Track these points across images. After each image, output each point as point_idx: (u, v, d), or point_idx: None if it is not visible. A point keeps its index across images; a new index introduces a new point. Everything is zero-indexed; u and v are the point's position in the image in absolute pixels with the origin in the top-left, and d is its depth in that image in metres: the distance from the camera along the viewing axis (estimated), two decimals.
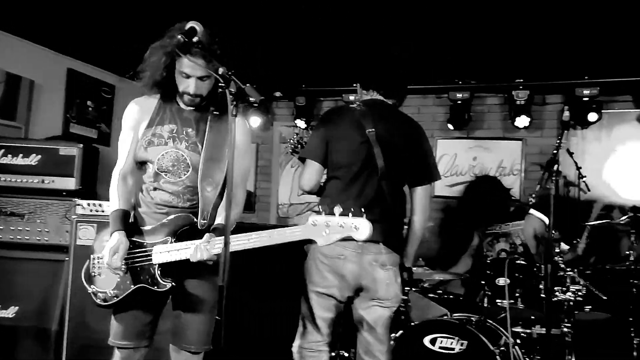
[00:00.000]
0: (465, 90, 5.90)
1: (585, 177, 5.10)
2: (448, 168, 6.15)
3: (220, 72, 2.14)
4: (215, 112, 2.67)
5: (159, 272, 2.52)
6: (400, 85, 3.34)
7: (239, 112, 2.09)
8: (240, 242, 2.34)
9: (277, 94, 6.77)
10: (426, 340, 3.77)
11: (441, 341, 3.72)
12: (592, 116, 5.56)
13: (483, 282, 4.09)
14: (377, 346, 3.11)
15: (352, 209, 2.23)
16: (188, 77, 2.54)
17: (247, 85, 2.11)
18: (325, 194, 3.17)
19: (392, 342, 3.58)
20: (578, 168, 5.11)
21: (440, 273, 4.58)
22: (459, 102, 5.94)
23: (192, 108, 2.66)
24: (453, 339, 3.70)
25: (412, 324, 3.86)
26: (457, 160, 6.16)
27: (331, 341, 3.16)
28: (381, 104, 3.23)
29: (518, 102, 5.71)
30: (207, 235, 2.46)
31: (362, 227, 2.20)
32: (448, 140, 6.23)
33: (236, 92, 2.08)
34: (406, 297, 3.79)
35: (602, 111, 5.61)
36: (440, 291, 4.42)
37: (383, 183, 3.05)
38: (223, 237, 2.09)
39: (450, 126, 6.10)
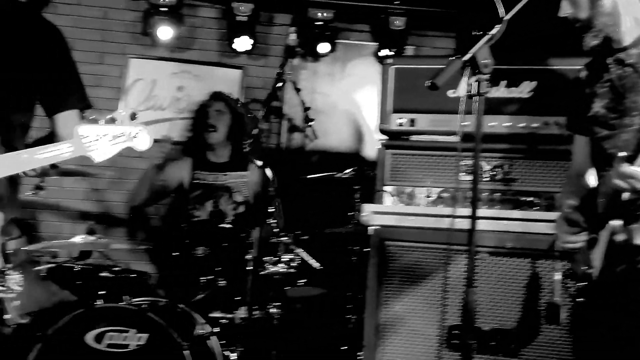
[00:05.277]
0: None
1: (313, 120, 5.12)
2: (144, 98, 5.78)
3: None
4: None
5: None
6: None
7: None
8: None
9: None
10: (89, 338, 3.39)
11: (111, 336, 3.40)
12: (324, 46, 5.58)
13: (177, 253, 3.97)
14: None
15: None
16: None
17: None
18: None
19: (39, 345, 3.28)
20: (305, 109, 5.08)
21: (118, 242, 4.40)
22: (163, 8, 5.47)
23: None
24: (127, 332, 3.41)
25: (73, 314, 3.40)
26: (156, 88, 5.82)
27: None
28: None
29: (239, 18, 5.49)
30: None
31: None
32: (145, 60, 5.81)
33: None
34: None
35: (337, 41, 5.67)
36: (119, 268, 3.94)
37: None
38: None
39: (149, 40, 5.68)
